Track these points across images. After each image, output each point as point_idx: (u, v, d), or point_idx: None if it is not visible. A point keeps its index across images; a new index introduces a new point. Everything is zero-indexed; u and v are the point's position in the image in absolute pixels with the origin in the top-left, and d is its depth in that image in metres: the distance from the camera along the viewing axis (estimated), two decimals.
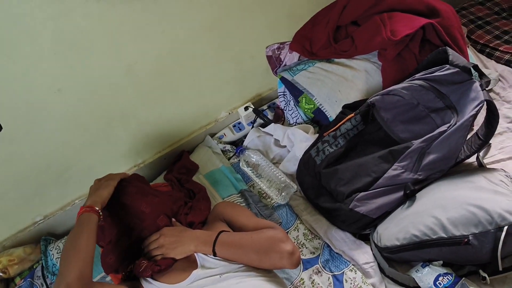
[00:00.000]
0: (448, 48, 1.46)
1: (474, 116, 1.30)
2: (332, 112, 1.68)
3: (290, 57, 1.83)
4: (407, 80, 1.48)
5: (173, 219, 1.33)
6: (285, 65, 1.84)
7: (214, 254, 1.15)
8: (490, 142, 1.34)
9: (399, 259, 1.27)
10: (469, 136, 1.37)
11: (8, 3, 1.07)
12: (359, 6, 1.72)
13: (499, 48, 1.92)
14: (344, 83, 1.71)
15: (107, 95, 1.45)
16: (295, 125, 1.81)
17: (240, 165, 1.69)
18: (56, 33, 1.19)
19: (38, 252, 1.58)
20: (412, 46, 1.66)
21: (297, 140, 1.65)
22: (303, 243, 1.42)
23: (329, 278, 1.30)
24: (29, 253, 1.57)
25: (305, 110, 1.78)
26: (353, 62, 1.74)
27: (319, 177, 1.47)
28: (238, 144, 1.84)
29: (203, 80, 1.69)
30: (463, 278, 1.12)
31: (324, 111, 1.70)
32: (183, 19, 1.46)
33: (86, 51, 1.29)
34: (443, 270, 1.13)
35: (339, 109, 1.63)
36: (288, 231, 1.46)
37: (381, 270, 1.29)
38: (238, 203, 1.56)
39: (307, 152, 1.55)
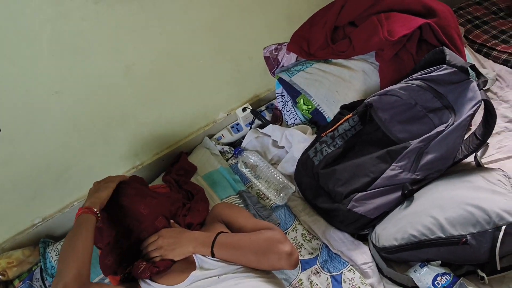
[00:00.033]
0: (445, 48, 1.46)
1: (472, 116, 1.31)
2: (330, 113, 1.68)
3: (287, 58, 1.83)
4: (405, 80, 1.48)
5: (172, 221, 1.33)
6: (282, 66, 1.84)
7: (213, 255, 1.15)
8: (488, 141, 1.34)
9: (397, 259, 1.28)
10: (466, 136, 1.37)
11: (7, 4, 1.07)
12: (357, 7, 1.72)
13: (497, 48, 1.92)
14: (341, 83, 1.71)
15: (106, 97, 1.45)
16: (293, 126, 1.82)
17: (238, 166, 1.69)
18: (54, 35, 1.20)
19: (37, 254, 1.58)
20: (409, 46, 1.67)
21: (295, 141, 1.65)
22: (302, 243, 1.42)
23: (327, 279, 1.30)
24: (28, 255, 1.57)
25: (303, 110, 1.78)
26: (350, 62, 1.75)
27: (317, 177, 1.47)
28: (236, 145, 1.84)
29: (202, 81, 1.70)
30: (461, 278, 1.12)
31: (322, 111, 1.70)
32: (182, 20, 1.46)
33: (84, 52, 1.29)
34: (441, 270, 1.13)
35: (337, 110, 1.64)
36: (286, 232, 1.46)
37: (380, 270, 1.29)
38: (237, 204, 1.55)
39: (305, 153, 1.55)
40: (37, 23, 1.15)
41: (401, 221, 1.25)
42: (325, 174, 1.45)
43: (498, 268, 1.10)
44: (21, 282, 1.52)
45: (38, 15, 1.14)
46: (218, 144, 1.81)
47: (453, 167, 1.37)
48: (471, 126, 1.35)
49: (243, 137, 1.82)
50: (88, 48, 1.29)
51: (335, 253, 1.36)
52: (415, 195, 1.32)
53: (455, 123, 1.31)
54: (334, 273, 1.31)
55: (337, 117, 1.59)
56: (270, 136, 1.76)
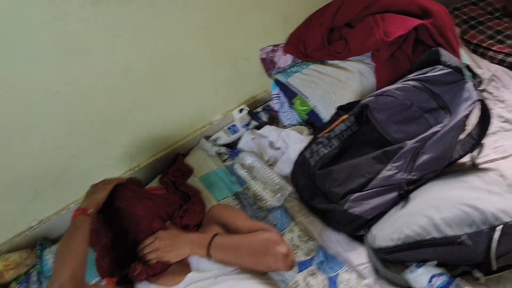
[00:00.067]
0: (441, 48, 1.47)
1: (467, 116, 1.31)
2: (326, 114, 1.69)
3: (284, 59, 1.84)
4: (401, 80, 1.48)
5: (168, 222, 1.33)
6: (279, 67, 1.84)
7: (209, 257, 1.15)
8: (484, 141, 1.34)
9: (393, 260, 1.27)
10: (462, 136, 1.38)
11: (4, 6, 1.07)
12: (353, 8, 1.73)
13: (492, 48, 1.92)
14: (338, 84, 1.71)
15: (104, 98, 1.45)
16: (289, 127, 1.82)
17: (235, 167, 1.69)
18: (52, 37, 1.20)
19: (34, 257, 1.58)
20: (405, 47, 1.68)
21: (291, 142, 1.65)
22: (298, 245, 1.42)
23: (323, 280, 1.30)
24: (25, 257, 1.56)
25: (300, 112, 1.78)
26: (347, 63, 1.75)
27: (314, 178, 1.48)
28: (233, 147, 1.84)
29: (199, 82, 1.70)
30: (457, 278, 1.12)
31: (318, 112, 1.70)
32: (179, 22, 1.47)
33: (82, 54, 1.29)
34: (437, 271, 1.13)
35: (333, 111, 1.64)
36: (282, 233, 1.46)
37: (376, 271, 1.30)
38: (233, 205, 1.56)
39: (301, 154, 1.56)
40: (35, 24, 1.15)
41: (397, 222, 1.25)
42: (322, 174, 1.45)
43: (494, 269, 1.10)
44: (18, 285, 1.51)
45: (36, 17, 1.14)
46: (215, 145, 1.81)
47: (449, 167, 1.37)
48: (467, 126, 1.35)
49: (239, 139, 1.82)
50: (86, 49, 1.29)
51: (331, 254, 1.36)
52: (411, 195, 1.32)
53: (451, 123, 1.32)
54: (330, 274, 1.31)
55: (334, 118, 1.59)
56: (266, 137, 1.76)
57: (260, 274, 1.16)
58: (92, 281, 1.43)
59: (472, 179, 1.23)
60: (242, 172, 1.66)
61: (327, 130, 1.51)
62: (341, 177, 1.41)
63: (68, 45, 1.24)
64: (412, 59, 1.65)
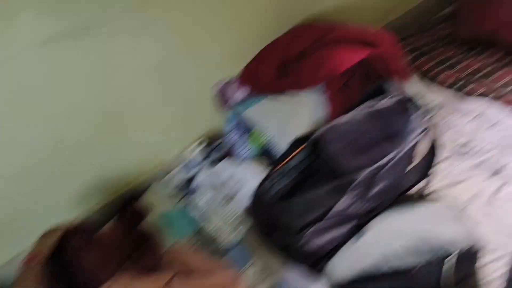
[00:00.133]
0: (389, 78, 1.51)
1: (414, 146, 1.34)
2: (283, 145, 1.68)
3: (239, 93, 1.84)
4: (353, 110, 1.51)
5: (122, 269, 1.29)
6: (234, 101, 1.84)
7: None
8: (432, 171, 1.37)
9: None
10: (413, 165, 1.40)
11: None
12: (304, 40, 1.76)
13: (441, 74, 1.99)
14: (293, 115, 1.73)
15: (51, 143, 1.41)
16: (246, 160, 1.81)
17: (191, 206, 1.66)
18: None
19: None
20: (357, 77, 1.72)
21: (248, 176, 1.65)
22: (258, 282, 1.39)
23: None
24: None
25: (256, 144, 1.78)
26: (301, 94, 1.77)
27: (271, 212, 1.46)
28: (189, 184, 1.81)
29: (152, 121, 1.68)
30: None
31: (275, 144, 1.70)
32: (129, 61, 1.45)
33: (26, 98, 1.26)
34: None
35: (290, 142, 1.64)
36: (242, 271, 1.43)
37: None
38: (191, 245, 1.52)
39: (258, 188, 1.54)
40: None
41: (354, 254, 1.25)
42: (279, 208, 1.44)
43: None
44: None
45: None
46: (171, 184, 1.78)
47: (403, 195, 1.39)
48: (416, 156, 1.38)
49: (196, 175, 1.80)
50: (32, 93, 1.26)
51: None
52: (367, 226, 1.32)
53: (401, 152, 1.34)
54: None
55: (290, 150, 1.59)
56: (224, 172, 1.74)
57: None
58: None
59: (423, 209, 1.24)
60: (199, 211, 1.63)
61: (283, 162, 1.51)
62: (298, 210, 1.40)
63: (10, 89, 1.21)
64: (363, 89, 1.69)
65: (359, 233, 1.32)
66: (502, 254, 1.27)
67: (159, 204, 1.71)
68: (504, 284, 1.20)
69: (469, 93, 1.88)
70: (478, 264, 1.17)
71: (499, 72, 1.94)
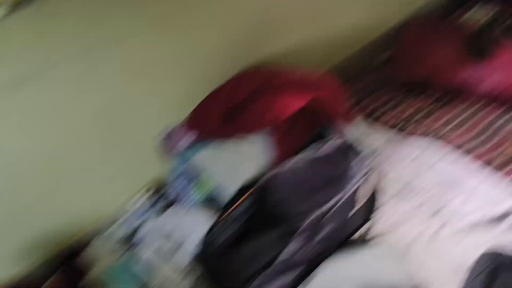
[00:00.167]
0: (333, 121, 1.55)
1: (358, 189, 1.36)
2: (230, 191, 1.67)
3: (185, 139, 1.83)
4: (296, 157, 1.53)
5: None
6: (181, 147, 1.82)
7: None
8: (376, 212, 1.39)
9: None
10: (356, 209, 1.42)
11: None
12: (248, 86, 1.78)
13: (384, 115, 2.05)
14: (241, 160, 1.73)
15: None
16: (193, 208, 1.78)
17: (136, 259, 1.61)
18: None
19: None
20: (301, 121, 1.74)
21: (195, 224, 1.62)
22: None
23: None
24: None
25: (203, 191, 1.76)
26: (249, 139, 1.78)
27: (219, 261, 1.44)
28: (135, 235, 1.75)
29: (95, 170, 1.63)
30: None
31: (222, 191, 1.69)
32: (70, 108, 1.42)
33: None
34: None
35: (238, 188, 1.63)
36: None
37: None
38: None
39: (206, 236, 1.51)
40: None
41: None
42: (227, 257, 1.42)
43: None
44: None
45: None
46: (114, 237, 1.71)
47: (348, 240, 1.40)
48: (358, 200, 1.40)
49: (142, 225, 1.74)
50: None
51: None
52: (314, 272, 1.31)
53: (344, 197, 1.36)
54: None
55: (236, 197, 1.58)
56: (171, 220, 1.71)
57: None
58: None
59: (365, 255, 1.25)
60: (147, 261, 1.58)
61: (230, 210, 1.50)
62: (246, 258, 1.39)
63: None
64: (308, 133, 1.72)
65: (307, 279, 1.31)
66: None
67: (101, 259, 1.64)
68: None
69: (411, 133, 1.94)
70: None
71: (438, 112, 2.02)
